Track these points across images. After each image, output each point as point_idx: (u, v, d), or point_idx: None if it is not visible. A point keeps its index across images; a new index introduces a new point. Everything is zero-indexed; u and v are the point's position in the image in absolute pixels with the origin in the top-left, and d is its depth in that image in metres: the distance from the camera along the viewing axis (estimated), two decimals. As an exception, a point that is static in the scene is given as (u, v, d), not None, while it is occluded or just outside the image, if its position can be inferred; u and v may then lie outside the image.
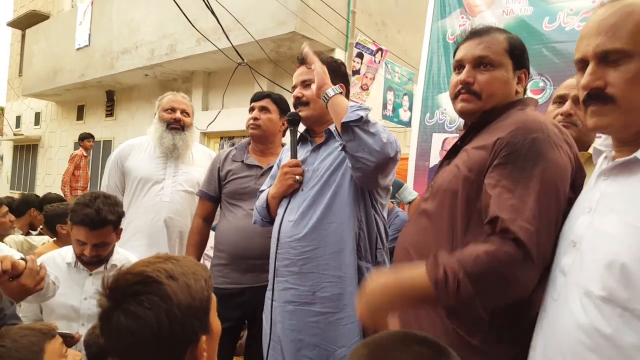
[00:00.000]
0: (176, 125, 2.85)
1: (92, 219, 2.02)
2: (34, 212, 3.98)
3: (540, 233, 1.17)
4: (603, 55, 1.05)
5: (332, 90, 1.85)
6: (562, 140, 1.28)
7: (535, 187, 1.20)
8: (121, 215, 2.15)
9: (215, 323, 1.13)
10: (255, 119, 2.56)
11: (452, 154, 1.55)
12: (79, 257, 2.12)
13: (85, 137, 8.43)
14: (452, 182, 1.41)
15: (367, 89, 6.68)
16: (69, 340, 1.67)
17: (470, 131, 1.51)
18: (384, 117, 7.06)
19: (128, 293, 1.01)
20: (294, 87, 2.10)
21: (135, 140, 3.01)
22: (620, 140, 1.10)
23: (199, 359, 1.05)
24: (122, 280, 1.03)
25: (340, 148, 1.89)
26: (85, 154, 8.36)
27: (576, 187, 1.27)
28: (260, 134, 2.58)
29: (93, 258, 2.09)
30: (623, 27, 1.02)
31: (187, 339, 1.03)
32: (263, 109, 2.58)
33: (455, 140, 1.61)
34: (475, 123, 1.50)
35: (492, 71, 1.46)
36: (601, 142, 1.20)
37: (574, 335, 1.02)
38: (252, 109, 2.62)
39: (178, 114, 2.87)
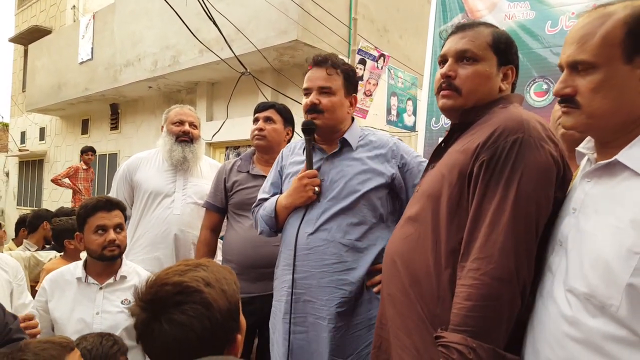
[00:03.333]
0: (185, 137, 2.87)
1: (106, 201, 2.21)
2: (47, 225, 4.02)
3: (517, 257, 1.19)
4: (573, 65, 1.13)
5: None
6: (544, 138, 1.26)
7: (510, 208, 1.20)
8: (125, 207, 2.33)
9: (242, 320, 1.21)
10: (260, 129, 2.57)
11: (436, 156, 1.53)
12: (100, 254, 2.15)
13: (84, 151, 8.47)
14: (435, 186, 1.40)
15: (371, 95, 6.68)
16: None
17: (453, 132, 1.51)
18: (389, 122, 7.06)
19: (170, 303, 1.07)
20: (307, 90, 2.00)
21: (143, 154, 3.03)
22: (600, 142, 1.16)
23: (235, 355, 1.14)
24: (161, 292, 1.09)
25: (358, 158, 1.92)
26: (84, 167, 8.37)
27: (564, 183, 1.27)
28: (266, 145, 2.58)
29: (115, 248, 2.15)
30: (590, 40, 1.10)
31: (227, 340, 1.12)
32: (268, 119, 2.58)
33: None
34: (458, 124, 1.49)
35: (474, 65, 1.43)
36: (583, 145, 1.23)
37: (559, 327, 1.07)
38: (256, 120, 2.62)
39: (187, 127, 2.89)
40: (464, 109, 1.46)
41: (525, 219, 1.20)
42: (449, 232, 1.33)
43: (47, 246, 3.99)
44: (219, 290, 1.11)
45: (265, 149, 2.60)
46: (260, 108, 2.64)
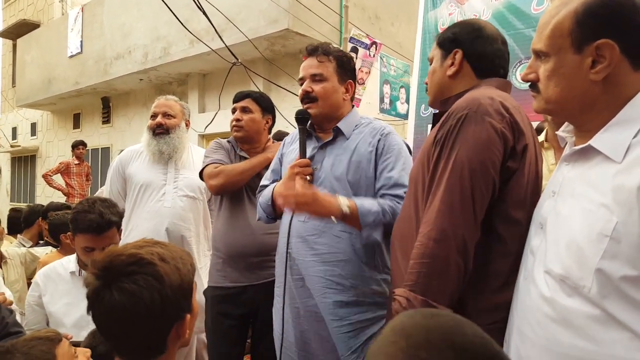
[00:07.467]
0: (159, 130, 2.85)
1: (98, 224, 2.03)
2: (42, 221, 4.00)
3: (452, 219, 1.29)
4: (535, 52, 1.20)
5: (339, 211, 1.74)
6: (489, 112, 1.33)
7: (447, 176, 1.32)
8: (122, 214, 2.22)
9: (195, 305, 1.24)
10: (237, 120, 2.55)
11: None
12: (85, 265, 2.10)
13: (74, 145, 8.42)
14: (414, 171, 1.54)
15: (364, 83, 6.67)
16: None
17: (437, 120, 1.62)
18: (382, 110, 7.05)
19: (123, 273, 1.10)
20: (301, 80, 2.00)
21: (136, 147, 3.01)
22: (574, 125, 1.21)
23: (182, 335, 1.18)
24: (116, 261, 1.12)
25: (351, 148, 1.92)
26: (76, 161, 8.32)
27: (516, 153, 1.34)
28: (244, 135, 2.57)
29: None
30: (545, 29, 1.16)
31: (175, 317, 1.15)
32: (244, 109, 2.57)
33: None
34: (438, 114, 1.62)
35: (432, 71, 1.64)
36: (563, 129, 1.28)
37: (539, 308, 1.12)
38: (234, 110, 2.60)
39: (159, 119, 2.87)
40: (440, 100, 1.62)
41: (460, 185, 1.30)
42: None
43: (41, 242, 3.98)
44: (173, 267, 1.14)
45: (245, 139, 2.60)
46: (236, 98, 2.63)
